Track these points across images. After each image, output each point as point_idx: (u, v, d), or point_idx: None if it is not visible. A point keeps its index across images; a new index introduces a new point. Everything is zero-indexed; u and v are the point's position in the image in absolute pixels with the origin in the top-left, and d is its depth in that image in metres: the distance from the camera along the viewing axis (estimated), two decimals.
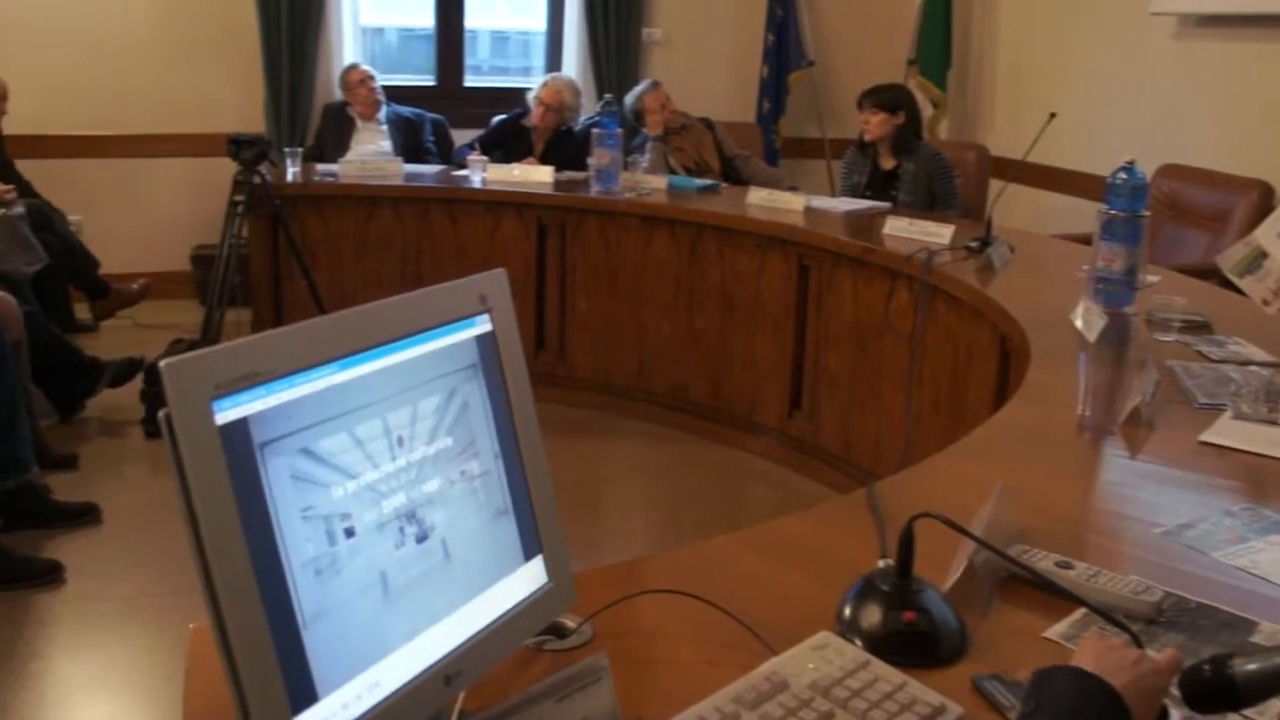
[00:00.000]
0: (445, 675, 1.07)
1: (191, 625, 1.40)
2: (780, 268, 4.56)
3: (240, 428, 0.90)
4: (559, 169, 5.54)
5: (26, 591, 3.53)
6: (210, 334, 4.91)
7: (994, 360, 3.50)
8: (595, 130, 5.27)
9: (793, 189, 5.45)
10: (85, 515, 4.00)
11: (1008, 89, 6.85)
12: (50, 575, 3.60)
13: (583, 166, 5.64)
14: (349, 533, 0.99)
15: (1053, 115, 3.95)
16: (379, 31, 7.50)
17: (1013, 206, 4.15)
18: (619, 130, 5.28)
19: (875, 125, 5.12)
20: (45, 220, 5.49)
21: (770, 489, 4.46)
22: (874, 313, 4.19)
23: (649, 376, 5.02)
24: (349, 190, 5.27)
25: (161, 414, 0.89)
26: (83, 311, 5.96)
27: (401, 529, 1.04)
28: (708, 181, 5.48)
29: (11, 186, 5.43)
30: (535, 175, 5.42)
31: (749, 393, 4.77)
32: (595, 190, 5.17)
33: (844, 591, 1.49)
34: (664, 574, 1.60)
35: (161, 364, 0.86)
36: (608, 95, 5.52)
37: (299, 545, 0.94)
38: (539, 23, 7.53)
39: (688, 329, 4.91)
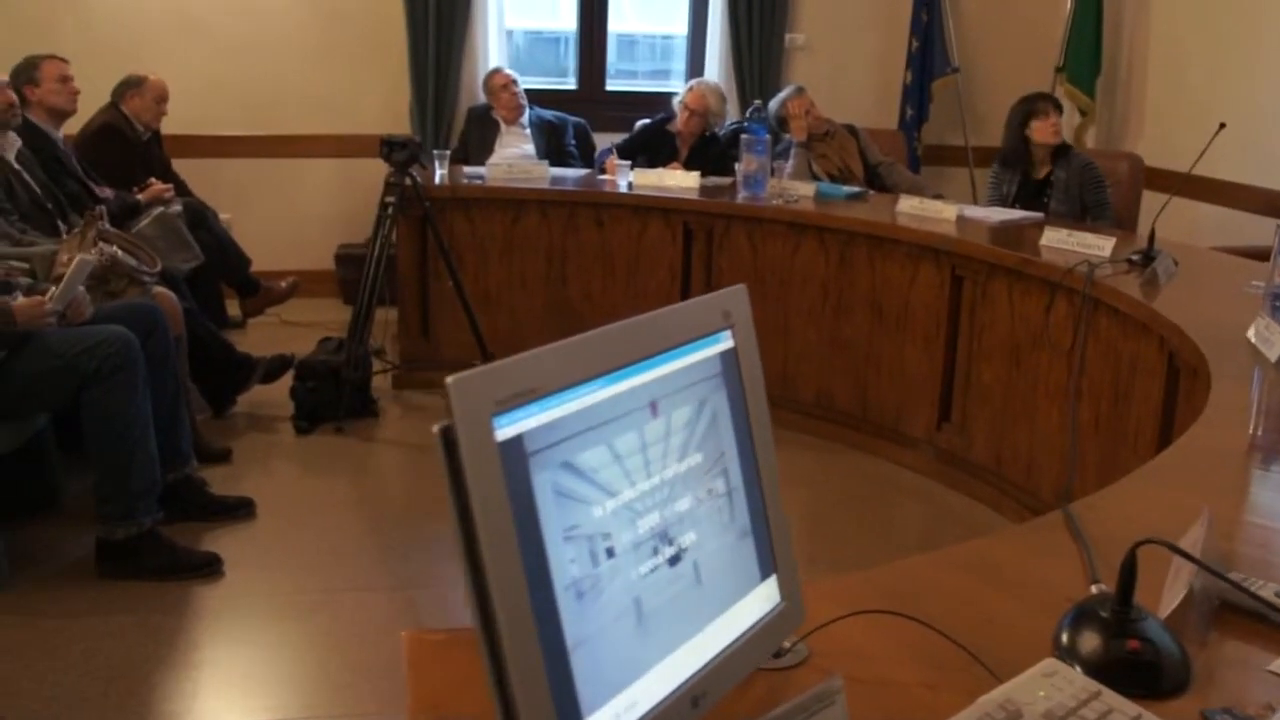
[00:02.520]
0: (693, 696, 1.04)
1: (404, 633, 1.40)
2: (933, 277, 4.48)
3: (516, 444, 0.89)
4: (703, 174, 5.52)
5: (187, 582, 3.61)
6: (358, 333, 4.98)
7: (1160, 377, 3.39)
8: (744, 137, 5.23)
9: (937, 197, 5.35)
10: (241, 509, 4.08)
11: (1160, 96, 6.64)
12: (210, 567, 3.67)
13: (726, 172, 5.61)
14: (609, 553, 0.97)
15: (1222, 125, 3.82)
16: (519, 34, 7.54)
17: (1165, 218, 4.01)
18: (768, 137, 5.24)
19: (1059, 127, 5.05)
20: (201, 218, 5.63)
21: (919, 501, 4.38)
22: (1030, 325, 4.09)
23: (794, 383, 4.97)
24: (496, 193, 5.30)
25: (436, 429, 0.88)
26: (232, 308, 6.08)
27: (655, 549, 1.02)
28: (855, 189, 5.41)
29: (170, 185, 5.56)
30: (681, 180, 5.40)
31: (897, 403, 4.70)
32: (742, 196, 5.13)
33: (1056, 616, 1.45)
34: (866, 593, 1.56)
35: (448, 380, 0.85)
36: (756, 102, 5.49)
37: (564, 566, 0.92)
38: (679, 27, 7.52)
39: (834, 336, 4.85)
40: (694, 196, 5.22)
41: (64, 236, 4.59)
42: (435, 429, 0.89)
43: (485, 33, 6.88)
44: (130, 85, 5.84)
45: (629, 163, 5.52)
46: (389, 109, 6.84)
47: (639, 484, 1.01)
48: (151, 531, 3.63)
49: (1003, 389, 4.23)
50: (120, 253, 4.11)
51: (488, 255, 5.31)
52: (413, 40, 6.73)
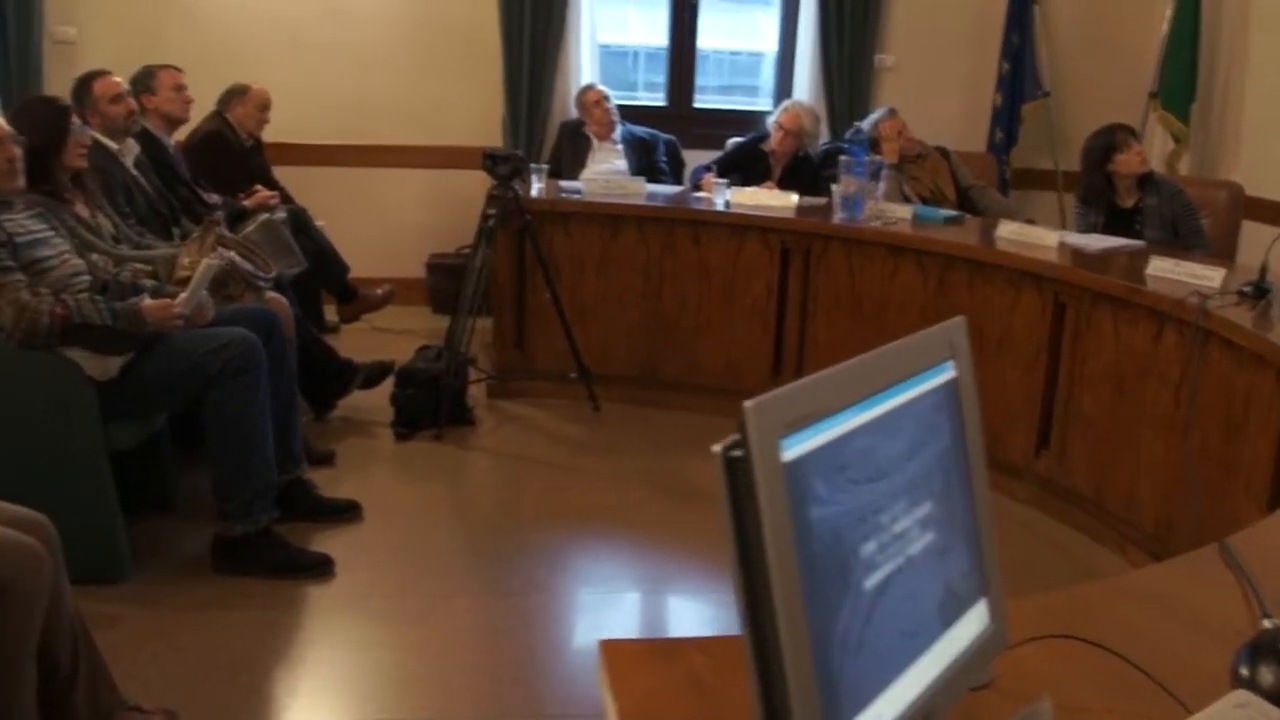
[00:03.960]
0: (925, 714, 1.09)
1: (598, 639, 1.45)
2: (1034, 304, 4.49)
3: (798, 467, 0.93)
4: (799, 194, 5.56)
5: (300, 582, 3.69)
6: (456, 342, 5.06)
7: (1277, 411, 3.39)
8: (842, 159, 5.26)
9: (1029, 222, 5.36)
10: (348, 512, 4.16)
11: (1260, 122, 6.58)
12: (322, 567, 3.75)
13: (819, 191, 5.65)
14: (870, 569, 1.01)
15: None
16: (610, 50, 7.61)
17: (1254, 247, 3.99)
18: (867, 159, 5.28)
19: (1144, 154, 5.05)
20: (303, 225, 5.74)
21: (1018, 528, 4.37)
22: (1136, 355, 4.09)
23: None
24: (595, 208, 5.37)
25: (717, 448, 0.93)
26: (329, 314, 6.19)
27: (902, 568, 1.07)
28: (952, 212, 5.43)
29: (275, 193, 5.69)
30: (778, 200, 5.43)
31: (994, 428, 4.69)
32: (840, 217, 5.16)
33: (1227, 648, 1.47)
34: (1041, 618, 1.59)
35: (747, 405, 0.90)
36: (857, 124, 5.54)
37: (834, 583, 0.97)
38: (765, 44, 7.56)
39: None
40: (791, 216, 5.26)
41: (176, 241, 4.71)
42: (716, 449, 0.94)
43: (578, 48, 6.97)
44: (234, 94, 5.99)
45: (726, 181, 5.56)
46: (482, 122, 6.94)
47: (892, 506, 1.06)
48: (267, 530, 3.72)
49: (1105, 418, 4.23)
50: (238, 258, 4.20)
51: (584, 269, 5.37)
52: (507, 54, 6.82)
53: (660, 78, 7.51)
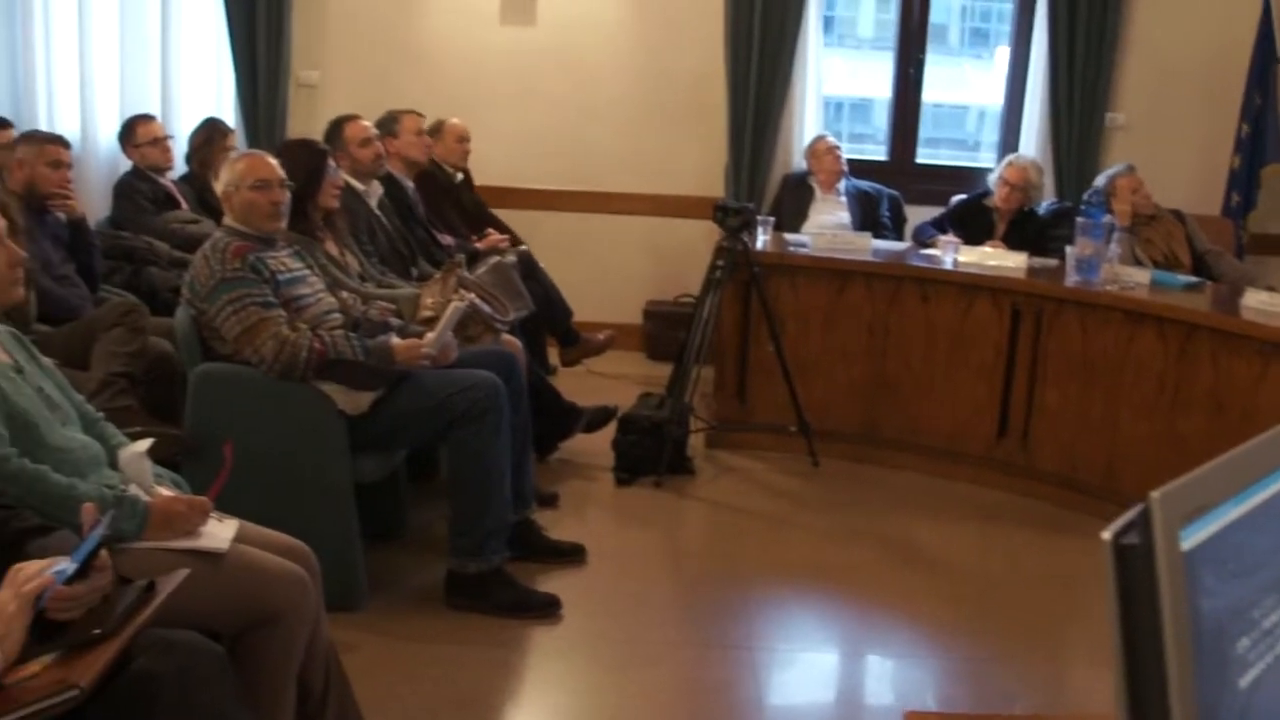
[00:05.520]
0: None
1: (905, 711, 1.44)
2: None
3: (1194, 557, 0.90)
4: (1023, 252, 5.44)
5: (527, 621, 3.74)
6: (680, 391, 5.10)
7: None
8: (1079, 220, 5.14)
9: (1269, 289, 5.14)
10: (573, 554, 4.20)
11: None
12: (550, 609, 3.79)
13: (1044, 249, 5.53)
14: (1244, 674, 0.98)
15: None
16: (828, 101, 7.59)
17: None
18: (1104, 220, 5.14)
19: None
20: (531, 269, 5.86)
21: None
22: None
23: (1118, 476, 4.81)
24: (822, 262, 5.36)
25: (1107, 534, 0.91)
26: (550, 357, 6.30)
27: (1271, 670, 1.02)
28: (1192, 278, 5.24)
29: (506, 236, 5.84)
30: (1008, 259, 5.33)
31: None
32: (1074, 280, 5.02)
33: None
34: None
35: (1153, 495, 0.88)
36: (1097, 184, 5.40)
37: (1214, 688, 0.93)
38: (973, 96, 7.45)
39: (1169, 432, 4.67)
40: (1022, 276, 5.16)
41: (414, 280, 4.88)
42: (1105, 536, 0.92)
43: (803, 99, 6.97)
44: (432, 133, 6.09)
45: (957, 240, 5.49)
46: (704, 171, 7.00)
47: (1263, 601, 1.02)
48: (499, 569, 3.78)
49: None
50: (478, 300, 4.32)
51: (808, 323, 5.35)
52: (733, 105, 6.87)
53: (865, 129, 7.46)
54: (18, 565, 2.06)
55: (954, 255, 5.37)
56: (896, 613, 4.03)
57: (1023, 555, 4.64)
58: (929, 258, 5.48)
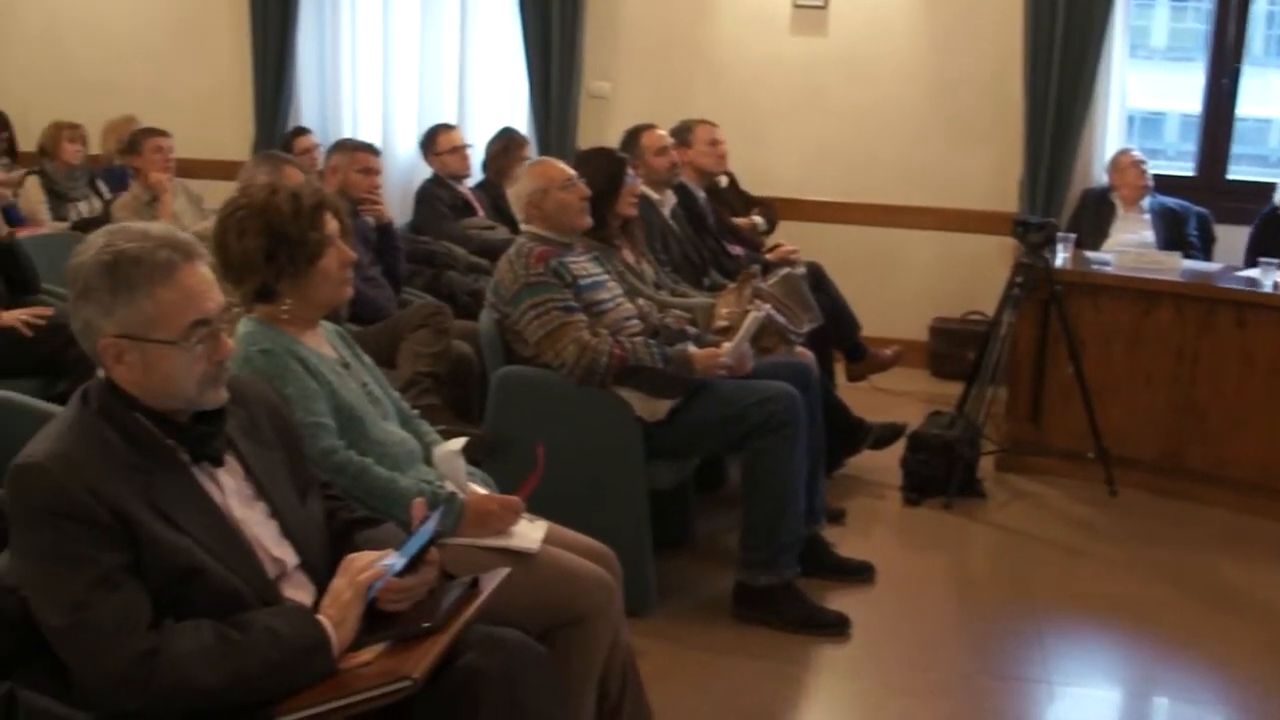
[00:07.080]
0: None
1: None
2: None
3: None
4: None
5: (815, 639, 3.68)
6: (972, 411, 4.95)
7: None
8: None
9: None
10: (862, 573, 4.12)
11: None
12: (839, 627, 3.73)
13: None
14: None
15: None
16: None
17: None
18: None
19: None
20: (820, 281, 5.78)
21: None
22: None
23: None
24: (1127, 282, 5.11)
25: None
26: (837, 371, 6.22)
27: None
28: None
29: (796, 248, 5.79)
30: None
31: None
32: None
33: None
34: None
35: None
36: None
37: None
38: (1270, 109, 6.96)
39: None
40: None
41: (706, 290, 4.89)
42: None
43: (1105, 113, 6.67)
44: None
45: (1278, 261, 5.14)
46: (996, 186, 6.78)
47: None
48: (790, 583, 3.74)
49: None
50: (773, 311, 4.29)
51: (1111, 345, 5.11)
52: (1031, 118, 6.62)
53: (1157, 144, 7.06)
54: (351, 555, 2.14)
55: (1275, 278, 5.03)
56: (1202, 657, 3.77)
57: None
58: (1247, 280, 5.15)
